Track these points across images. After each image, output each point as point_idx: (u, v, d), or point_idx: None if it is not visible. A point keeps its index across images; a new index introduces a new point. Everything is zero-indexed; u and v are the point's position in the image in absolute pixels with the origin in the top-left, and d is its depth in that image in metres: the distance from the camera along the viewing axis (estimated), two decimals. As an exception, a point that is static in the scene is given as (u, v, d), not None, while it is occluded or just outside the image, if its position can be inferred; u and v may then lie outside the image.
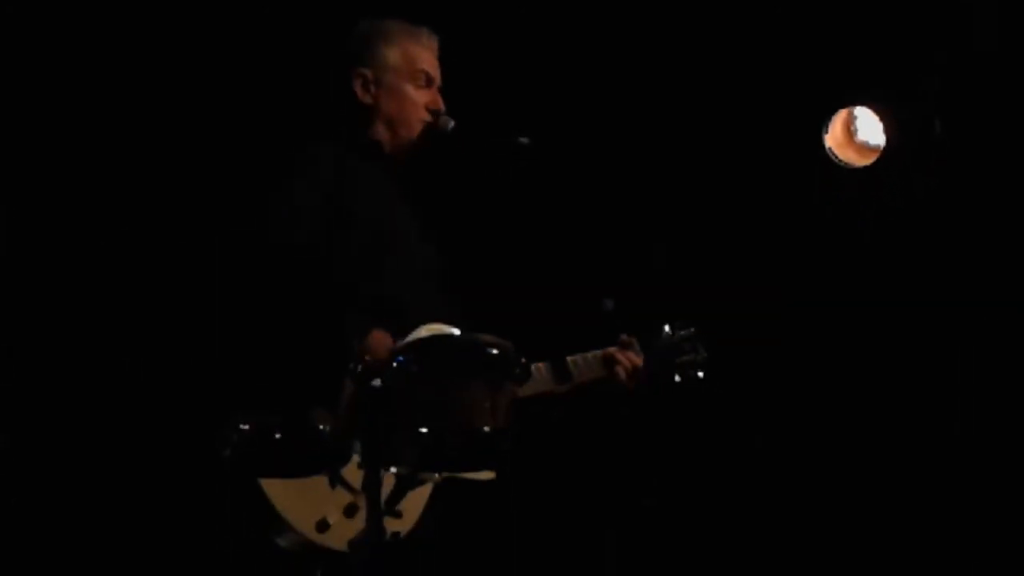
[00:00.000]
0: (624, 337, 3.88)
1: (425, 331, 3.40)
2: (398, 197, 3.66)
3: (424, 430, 2.96)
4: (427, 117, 3.66)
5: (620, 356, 3.86)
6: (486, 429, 3.01)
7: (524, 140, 3.64)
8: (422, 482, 3.28)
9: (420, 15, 3.73)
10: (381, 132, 3.66)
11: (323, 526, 3.27)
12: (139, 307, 4.32)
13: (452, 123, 3.65)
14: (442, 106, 3.68)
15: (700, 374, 3.99)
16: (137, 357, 4.29)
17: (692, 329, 4.02)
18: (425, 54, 3.70)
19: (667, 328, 3.99)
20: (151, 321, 4.31)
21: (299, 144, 3.58)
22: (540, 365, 3.73)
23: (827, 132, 4.84)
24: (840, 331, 4.99)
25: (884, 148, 4.78)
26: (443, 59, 3.73)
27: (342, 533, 3.22)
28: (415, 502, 3.34)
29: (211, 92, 4.42)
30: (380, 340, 3.29)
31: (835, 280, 5.00)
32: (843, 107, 4.85)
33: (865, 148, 4.86)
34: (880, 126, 4.79)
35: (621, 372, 3.84)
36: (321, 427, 3.03)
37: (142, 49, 4.39)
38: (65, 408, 4.26)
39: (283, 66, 4.42)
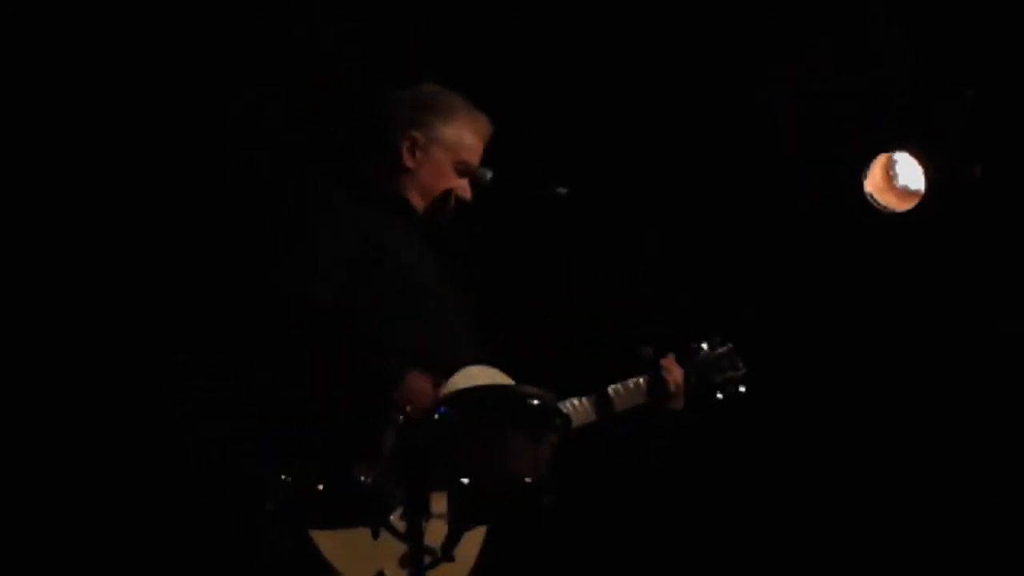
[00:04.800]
0: (664, 359, 3.83)
1: (463, 379, 3.42)
2: (428, 247, 3.66)
3: (466, 481, 2.99)
4: (451, 203, 3.67)
5: (666, 375, 3.78)
6: (528, 480, 3.05)
7: (562, 190, 3.66)
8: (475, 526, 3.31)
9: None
10: (414, 196, 3.67)
11: (380, 578, 3.29)
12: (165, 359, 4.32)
13: (490, 175, 3.66)
14: (470, 197, 3.68)
15: (742, 389, 3.95)
16: (172, 413, 4.30)
17: (730, 345, 3.97)
18: (476, 144, 3.69)
19: (704, 345, 3.94)
20: (181, 375, 4.32)
21: (327, 191, 3.58)
22: (582, 400, 3.70)
23: (867, 177, 4.84)
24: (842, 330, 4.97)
25: (924, 193, 4.76)
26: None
27: None
28: (469, 546, 3.34)
29: (245, 135, 4.43)
30: (418, 381, 3.32)
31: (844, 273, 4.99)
32: (883, 152, 4.85)
33: (905, 193, 4.85)
34: (920, 171, 4.78)
35: (672, 385, 3.78)
36: (363, 478, 3.06)
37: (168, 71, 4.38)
38: (105, 470, 4.26)
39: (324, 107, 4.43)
